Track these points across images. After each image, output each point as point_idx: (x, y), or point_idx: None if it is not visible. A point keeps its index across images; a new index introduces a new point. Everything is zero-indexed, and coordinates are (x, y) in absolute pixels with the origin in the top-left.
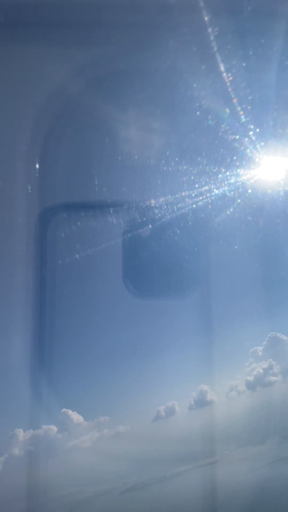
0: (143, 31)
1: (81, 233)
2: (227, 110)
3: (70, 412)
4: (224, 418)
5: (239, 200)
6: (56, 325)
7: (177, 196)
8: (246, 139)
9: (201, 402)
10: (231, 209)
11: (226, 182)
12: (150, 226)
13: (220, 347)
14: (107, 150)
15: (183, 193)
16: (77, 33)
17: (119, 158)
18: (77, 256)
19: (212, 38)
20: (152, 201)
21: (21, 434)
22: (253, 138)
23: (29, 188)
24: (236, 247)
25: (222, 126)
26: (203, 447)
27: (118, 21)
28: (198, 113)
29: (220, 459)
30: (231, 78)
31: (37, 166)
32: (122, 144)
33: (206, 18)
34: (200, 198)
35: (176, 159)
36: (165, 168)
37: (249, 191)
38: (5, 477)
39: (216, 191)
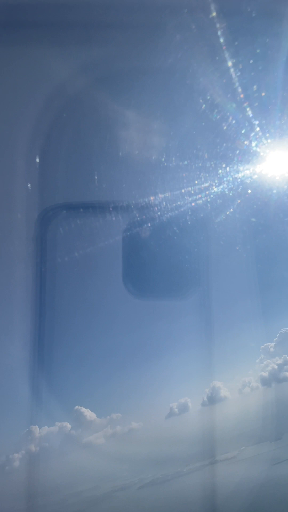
0: (144, 30)
1: (81, 232)
2: (232, 106)
3: (83, 409)
4: (238, 414)
5: (238, 201)
6: (61, 323)
7: (177, 195)
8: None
9: (214, 399)
10: (232, 209)
11: (226, 181)
12: (151, 225)
13: (230, 345)
14: (107, 150)
15: (183, 192)
16: (77, 33)
17: (120, 158)
18: (77, 255)
19: (220, 33)
20: (152, 198)
21: (37, 431)
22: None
23: (29, 188)
24: (245, 243)
25: (223, 125)
26: (219, 442)
27: (121, 21)
28: (198, 112)
29: (237, 455)
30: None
31: (38, 166)
32: (123, 144)
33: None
34: (200, 196)
35: (176, 159)
36: (165, 168)
37: (249, 191)
38: (22, 472)
39: (216, 189)
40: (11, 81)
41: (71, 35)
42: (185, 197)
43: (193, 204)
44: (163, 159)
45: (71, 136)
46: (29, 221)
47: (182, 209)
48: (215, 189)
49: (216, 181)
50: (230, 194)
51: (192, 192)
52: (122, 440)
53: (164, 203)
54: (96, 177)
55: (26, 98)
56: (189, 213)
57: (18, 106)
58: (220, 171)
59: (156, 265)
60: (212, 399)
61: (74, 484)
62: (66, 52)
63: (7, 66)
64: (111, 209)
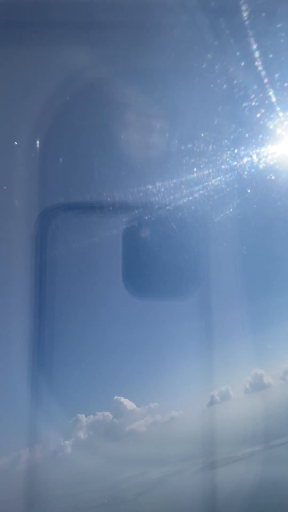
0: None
1: (81, 232)
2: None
3: (122, 399)
4: (283, 401)
5: (238, 200)
6: (61, 322)
7: (177, 195)
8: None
9: (257, 386)
10: (231, 208)
11: (229, 174)
12: (151, 225)
13: (270, 332)
14: (108, 150)
15: (184, 192)
16: (77, 33)
17: (120, 157)
18: (77, 255)
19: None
20: (153, 198)
21: (84, 419)
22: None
23: (29, 188)
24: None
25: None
26: (270, 427)
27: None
28: (199, 113)
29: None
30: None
31: (38, 166)
32: (123, 144)
33: None
34: (199, 192)
35: (176, 159)
36: (165, 167)
37: (249, 190)
38: (75, 458)
39: (218, 183)
40: (10, 81)
41: (71, 35)
42: (186, 197)
43: (193, 204)
44: (164, 159)
45: (71, 136)
46: (29, 221)
47: (182, 209)
48: (217, 183)
49: (220, 178)
50: (233, 188)
51: (192, 192)
52: (163, 427)
53: (164, 202)
54: (96, 178)
55: (26, 98)
56: (190, 212)
57: (18, 106)
58: (222, 165)
59: (157, 265)
60: (255, 386)
61: (124, 469)
62: (66, 52)
63: (7, 66)
64: (111, 209)
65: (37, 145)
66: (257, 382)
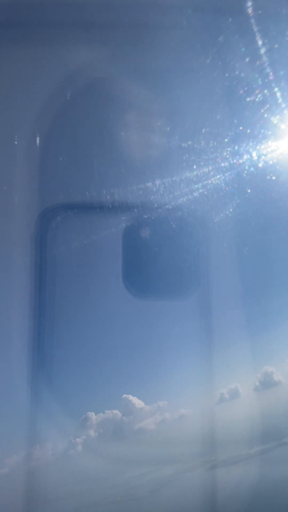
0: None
1: (81, 232)
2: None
3: (131, 397)
4: None
5: (238, 200)
6: (62, 322)
7: (178, 195)
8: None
9: (267, 383)
10: (231, 208)
11: (226, 176)
12: (151, 225)
13: (280, 329)
14: (108, 150)
15: (184, 192)
16: (77, 33)
17: (120, 158)
18: (77, 255)
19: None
20: (153, 197)
21: (94, 417)
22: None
23: (29, 188)
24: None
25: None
26: (281, 425)
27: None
28: (200, 114)
29: None
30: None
31: (38, 166)
32: (123, 144)
33: None
34: (199, 191)
35: (176, 159)
36: (165, 167)
37: (249, 190)
38: (86, 456)
39: (218, 181)
40: (10, 81)
41: (71, 35)
42: (186, 196)
43: (193, 203)
44: (164, 159)
45: (71, 135)
46: (29, 221)
47: (182, 209)
48: (217, 181)
49: (220, 176)
50: (233, 187)
51: (193, 192)
52: (173, 425)
53: (165, 202)
54: (96, 178)
55: (26, 98)
56: (190, 212)
57: (18, 106)
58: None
59: (157, 265)
60: (266, 384)
61: (135, 467)
62: (66, 52)
63: (6, 66)
64: (111, 209)
65: (37, 145)
66: (267, 379)
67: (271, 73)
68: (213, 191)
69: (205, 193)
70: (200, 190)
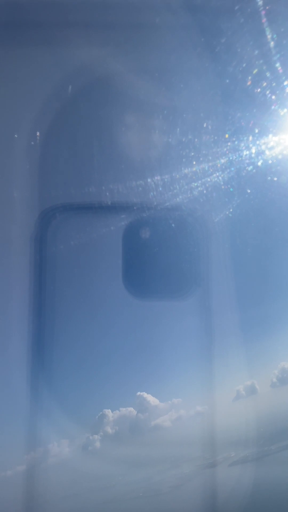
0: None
1: (81, 233)
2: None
3: (145, 394)
4: None
5: (238, 200)
6: (61, 322)
7: (178, 195)
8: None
9: (285, 380)
10: (231, 208)
11: (225, 175)
12: (151, 225)
13: None
14: (107, 150)
15: (184, 191)
16: (77, 33)
17: (120, 158)
18: (76, 255)
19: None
20: (153, 198)
21: (110, 415)
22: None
23: (29, 188)
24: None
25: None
26: None
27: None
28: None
29: None
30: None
31: (37, 166)
32: (123, 144)
33: None
34: (201, 191)
35: (176, 159)
36: (165, 166)
37: (248, 190)
38: (104, 452)
39: (218, 182)
40: (10, 81)
41: (71, 35)
42: (186, 197)
43: (193, 203)
44: (163, 159)
45: (71, 135)
46: (29, 221)
47: (182, 209)
48: (216, 179)
49: (220, 177)
50: (233, 187)
51: (193, 192)
52: (189, 422)
53: (165, 202)
54: (96, 179)
55: (26, 98)
56: (190, 211)
57: (18, 106)
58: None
59: (157, 265)
60: (283, 380)
61: (153, 463)
62: (65, 52)
63: (6, 66)
64: (111, 209)
65: (37, 146)
66: (285, 376)
67: (271, 72)
68: (213, 191)
69: (206, 193)
70: (200, 190)
